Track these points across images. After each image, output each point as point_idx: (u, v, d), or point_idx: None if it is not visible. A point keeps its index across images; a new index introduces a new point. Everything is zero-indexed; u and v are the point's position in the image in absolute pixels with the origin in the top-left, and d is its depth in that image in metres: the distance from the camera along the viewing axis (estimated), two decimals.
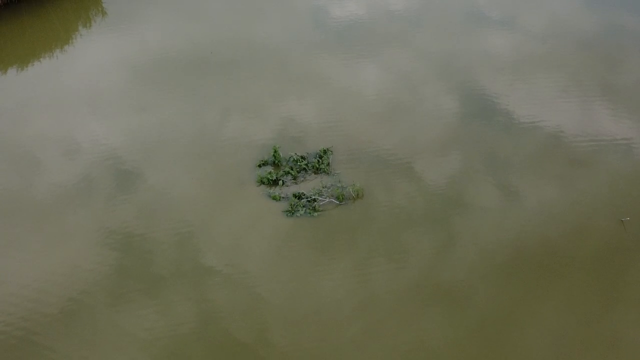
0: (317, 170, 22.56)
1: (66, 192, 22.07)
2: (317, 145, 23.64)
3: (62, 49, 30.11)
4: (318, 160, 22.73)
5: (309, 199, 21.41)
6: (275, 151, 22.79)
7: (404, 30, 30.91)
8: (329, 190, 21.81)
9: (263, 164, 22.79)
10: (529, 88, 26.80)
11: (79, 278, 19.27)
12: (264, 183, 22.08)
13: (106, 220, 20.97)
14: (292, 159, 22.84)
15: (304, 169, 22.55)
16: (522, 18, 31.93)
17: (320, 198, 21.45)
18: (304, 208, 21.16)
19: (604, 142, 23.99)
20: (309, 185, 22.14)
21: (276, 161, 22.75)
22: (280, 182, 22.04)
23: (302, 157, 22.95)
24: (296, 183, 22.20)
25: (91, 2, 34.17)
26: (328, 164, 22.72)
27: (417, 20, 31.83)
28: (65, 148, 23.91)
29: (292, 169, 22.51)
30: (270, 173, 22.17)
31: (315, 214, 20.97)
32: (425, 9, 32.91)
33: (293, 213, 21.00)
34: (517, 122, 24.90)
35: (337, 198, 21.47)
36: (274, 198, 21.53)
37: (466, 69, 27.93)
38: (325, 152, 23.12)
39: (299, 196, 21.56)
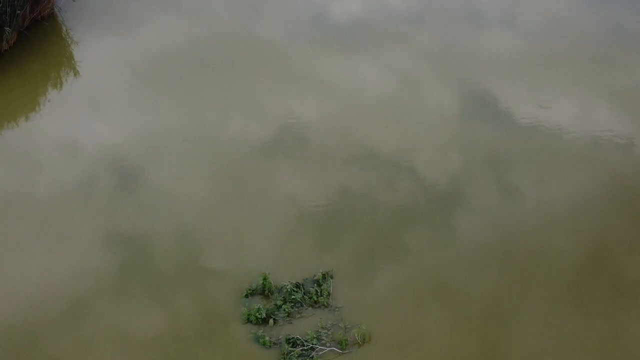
0: (314, 303, 18.90)
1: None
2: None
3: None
4: (316, 291, 19.04)
5: (305, 347, 17.76)
6: (264, 279, 19.13)
7: (404, 29, 30.15)
8: (330, 333, 18.16)
9: (250, 293, 19.12)
10: (530, 87, 26.67)
11: (80, 278, 18.88)
12: (251, 321, 18.43)
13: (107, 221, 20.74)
14: (285, 290, 19.13)
15: (299, 302, 18.88)
16: (523, 17, 31.22)
17: (319, 346, 17.80)
18: (300, 359, 17.53)
19: (603, 139, 24.45)
20: (306, 323, 18.48)
21: (266, 291, 19.08)
22: (271, 320, 18.38)
23: (297, 287, 19.20)
24: (290, 321, 18.54)
25: (63, 60, 30.57)
26: (329, 294, 19.05)
27: (418, 19, 31.01)
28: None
29: (285, 302, 18.84)
30: (259, 310, 18.44)
31: None
32: (425, 8, 31.87)
33: None
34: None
35: (340, 344, 17.82)
36: (264, 344, 17.86)
37: (470, 68, 27.60)
38: (324, 277, 19.46)
39: (293, 342, 17.90)
